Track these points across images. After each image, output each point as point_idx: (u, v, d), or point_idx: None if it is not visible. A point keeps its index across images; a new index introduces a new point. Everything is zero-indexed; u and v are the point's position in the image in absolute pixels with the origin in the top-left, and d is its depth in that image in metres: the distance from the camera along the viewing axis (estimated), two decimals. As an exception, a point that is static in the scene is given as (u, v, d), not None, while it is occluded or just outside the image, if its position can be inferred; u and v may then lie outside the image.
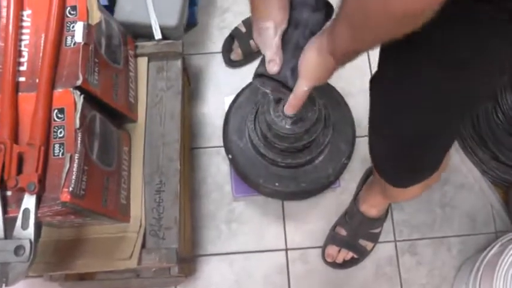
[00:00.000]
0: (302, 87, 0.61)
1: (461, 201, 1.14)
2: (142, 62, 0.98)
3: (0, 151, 0.68)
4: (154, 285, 1.02)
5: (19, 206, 0.67)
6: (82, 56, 0.73)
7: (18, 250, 0.66)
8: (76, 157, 0.69)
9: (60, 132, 0.72)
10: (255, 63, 1.11)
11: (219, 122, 1.19)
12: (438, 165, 0.72)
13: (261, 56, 0.64)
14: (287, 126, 0.78)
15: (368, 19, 0.43)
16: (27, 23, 0.78)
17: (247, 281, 1.08)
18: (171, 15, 1.01)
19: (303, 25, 0.62)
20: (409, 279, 1.09)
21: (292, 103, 0.66)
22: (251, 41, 1.19)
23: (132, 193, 0.89)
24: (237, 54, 1.22)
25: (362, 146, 1.07)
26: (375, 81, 0.65)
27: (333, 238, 1.08)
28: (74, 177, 0.68)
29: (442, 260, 1.10)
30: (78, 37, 0.74)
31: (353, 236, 1.06)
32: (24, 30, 0.78)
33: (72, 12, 0.78)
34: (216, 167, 1.16)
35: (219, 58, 1.23)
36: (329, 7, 0.63)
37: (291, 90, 0.64)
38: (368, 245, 1.07)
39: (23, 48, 0.77)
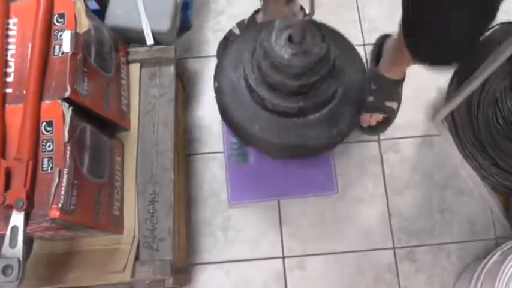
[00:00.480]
0: None
1: (460, 206, 1.12)
2: (135, 68, 0.95)
3: (-14, 167, 0.66)
4: (148, 296, 1.00)
5: (7, 223, 0.65)
6: (70, 66, 0.71)
7: (6, 270, 0.64)
8: (65, 171, 0.67)
9: (49, 146, 0.70)
10: (251, 68, 1.08)
11: (216, 126, 1.18)
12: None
13: None
14: (285, 56, 0.71)
15: None
16: (13, 31, 0.76)
17: (244, 289, 1.07)
18: (163, 20, 0.98)
19: None
20: (408, 286, 1.08)
21: None
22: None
23: (125, 204, 0.87)
24: (232, 57, 1.19)
25: (362, 146, 1.08)
26: None
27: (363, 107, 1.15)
28: (63, 192, 0.66)
29: (441, 266, 1.09)
30: (66, 47, 0.72)
31: (379, 99, 1.13)
32: (10, 40, 0.75)
33: (59, 20, 0.76)
34: (213, 174, 1.14)
35: (214, 61, 1.21)
36: None
37: None
38: (394, 104, 1.15)
39: (9, 58, 0.75)
